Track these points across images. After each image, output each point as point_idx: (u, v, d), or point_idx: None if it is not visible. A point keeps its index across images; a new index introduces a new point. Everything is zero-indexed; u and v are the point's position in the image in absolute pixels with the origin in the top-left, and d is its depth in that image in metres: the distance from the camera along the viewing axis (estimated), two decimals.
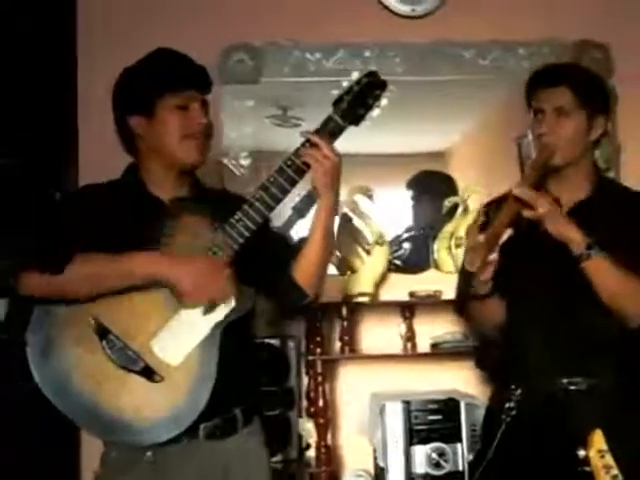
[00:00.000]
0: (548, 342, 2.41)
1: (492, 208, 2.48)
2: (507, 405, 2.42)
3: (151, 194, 2.34)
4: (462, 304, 2.63)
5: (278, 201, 2.27)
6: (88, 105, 3.46)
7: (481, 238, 2.28)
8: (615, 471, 2.10)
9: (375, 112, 2.39)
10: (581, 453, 2.15)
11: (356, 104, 2.34)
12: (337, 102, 2.34)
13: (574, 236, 2.32)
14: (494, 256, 2.30)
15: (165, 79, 2.29)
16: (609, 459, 2.12)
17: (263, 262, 2.39)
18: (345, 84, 2.34)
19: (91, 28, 3.69)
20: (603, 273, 2.33)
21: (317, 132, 2.32)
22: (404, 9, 3.82)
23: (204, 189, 2.45)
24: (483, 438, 2.60)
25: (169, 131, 2.29)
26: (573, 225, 2.33)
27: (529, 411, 2.39)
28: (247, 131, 3.76)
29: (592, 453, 2.13)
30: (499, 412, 2.43)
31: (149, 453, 2.22)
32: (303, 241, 2.45)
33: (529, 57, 3.84)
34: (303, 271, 2.42)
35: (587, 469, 2.13)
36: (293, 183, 2.29)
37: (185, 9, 3.78)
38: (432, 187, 4.00)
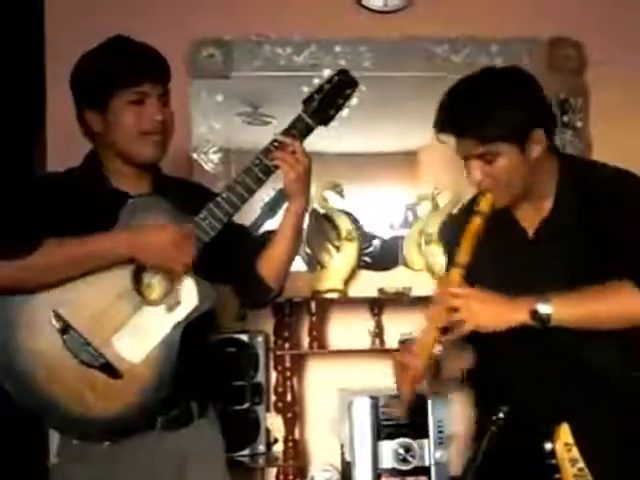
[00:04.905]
0: (532, 385, 2.31)
1: None
2: (494, 417, 2.38)
3: (115, 189, 2.30)
4: None
5: (244, 201, 2.26)
6: (56, 88, 3.40)
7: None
8: (581, 464, 2.12)
9: (344, 112, 2.36)
10: (547, 446, 2.16)
11: (327, 104, 2.31)
12: (308, 101, 2.30)
13: (519, 318, 2.14)
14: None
15: (117, 74, 2.21)
16: (575, 452, 2.13)
17: (228, 258, 2.37)
18: (316, 81, 2.30)
19: (59, 16, 3.64)
20: (568, 316, 2.14)
21: (286, 132, 2.30)
22: (376, 4, 3.80)
23: (166, 180, 2.41)
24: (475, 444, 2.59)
25: (123, 128, 2.23)
26: (507, 310, 2.16)
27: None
28: (217, 126, 3.71)
29: (558, 446, 2.14)
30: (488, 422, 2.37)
31: (106, 443, 2.22)
32: (267, 234, 2.44)
33: (502, 54, 3.83)
34: (269, 268, 2.41)
35: (553, 462, 2.14)
36: (260, 183, 2.26)
37: (155, 1, 3.75)
38: None
